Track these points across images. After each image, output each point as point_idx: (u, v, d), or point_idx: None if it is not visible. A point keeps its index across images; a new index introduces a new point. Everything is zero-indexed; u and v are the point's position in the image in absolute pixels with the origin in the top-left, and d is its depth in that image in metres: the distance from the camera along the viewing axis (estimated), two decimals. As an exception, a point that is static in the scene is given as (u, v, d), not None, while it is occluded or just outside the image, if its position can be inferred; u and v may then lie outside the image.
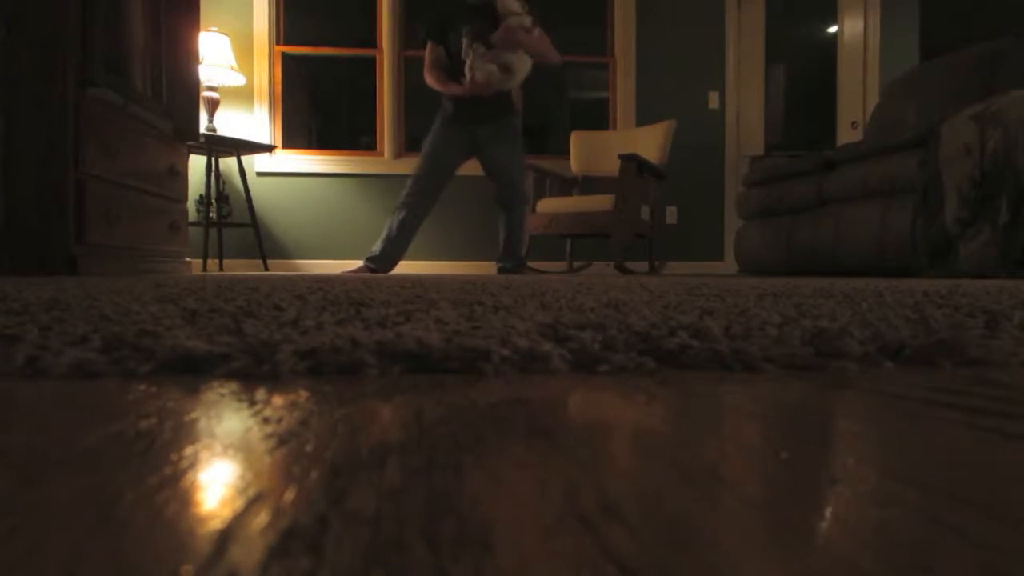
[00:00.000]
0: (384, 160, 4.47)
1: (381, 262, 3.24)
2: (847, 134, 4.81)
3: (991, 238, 2.34)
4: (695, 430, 0.26)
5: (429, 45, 3.24)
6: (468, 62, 3.08)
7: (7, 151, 2.04)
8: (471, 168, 3.48)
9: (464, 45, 3.11)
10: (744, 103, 4.78)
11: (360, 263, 3.34)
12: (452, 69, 3.18)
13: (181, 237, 2.94)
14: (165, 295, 0.89)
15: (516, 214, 3.31)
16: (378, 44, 4.51)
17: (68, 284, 1.29)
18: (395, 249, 3.24)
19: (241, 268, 4.33)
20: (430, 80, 3.25)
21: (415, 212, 3.21)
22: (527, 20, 3.10)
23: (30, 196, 2.06)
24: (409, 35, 4.53)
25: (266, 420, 0.27)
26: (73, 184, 2.11)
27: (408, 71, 4.48)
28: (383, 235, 3.24)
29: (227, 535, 0.15)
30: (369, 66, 4.53)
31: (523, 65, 3.16)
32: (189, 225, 3.10)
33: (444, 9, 3.23)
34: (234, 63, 4.05)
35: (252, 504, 0.17)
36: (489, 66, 3.04)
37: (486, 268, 4.42)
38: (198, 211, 3.90)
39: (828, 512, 0.17)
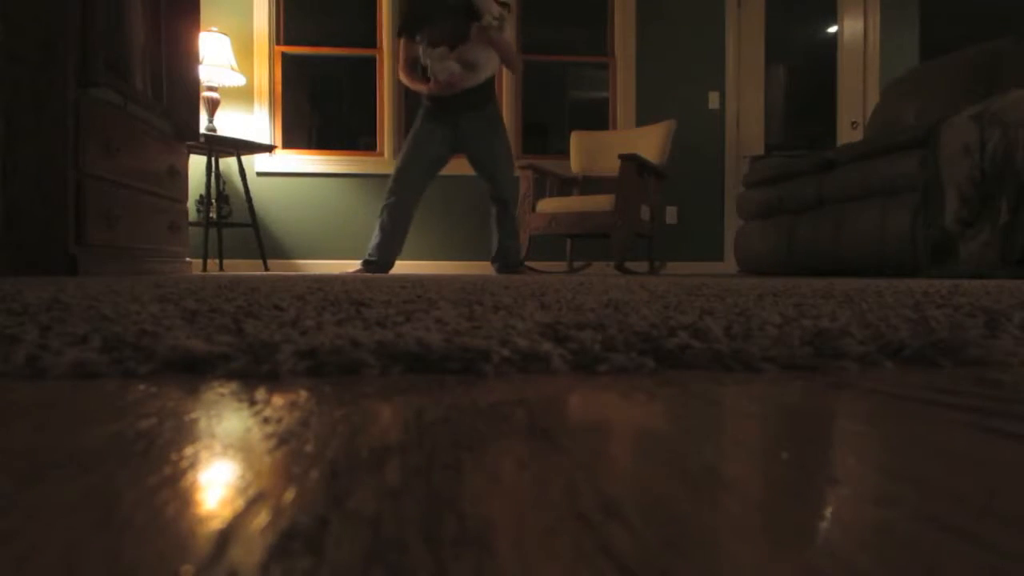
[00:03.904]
0: (384, 160, 4.47)
1: (378, 263, 3.23)
2: (847, 134, 4.81)
3: (991, 238, 2.34)
4: (695, 430, 0.26)
5: (403, 42, 3.23)
6: (429, 65, 3.09)
7: (7, 151, 2.04)
8: (470, 168, 3.48)
9: (422, 49, 3.11)
10: (744, 103, 4.78)
11: (359, 264, 3.34)
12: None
13: (181, 237, 2.94)
14: (165, 295, 0.89)
15: (510, 211, 3.31)
16: (378, 44, 4.51)
17: (68, 284, 1.29)
18: (389, 248, 3.23)
19: (241, 268, 4.33)
20: (403, 78, 3.25)
21: (402, 207, 3.19)
22: (500, 18, 3.13)
23: (30, 196, 2.06)
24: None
25: (266, 420, 0.27)
26: (73, 184, 2.11)
27: (408, 71, 4.49)
28: (375, 237, 3.22)
29: (227, 535, 0.15)
30: (369, 66, 4.53)
31: (489, 61, 3.17)
32: (189, 225, 3.10)
33: (420, 5, 3.21)
34: (234, 63, 4.05)
35: (252, 504, 0.17)
36: (451, 65, 3.06)
37: (485, 268, 4.42)
38: (198, 211, 3.90)
39: (828, 512, 0.17)
